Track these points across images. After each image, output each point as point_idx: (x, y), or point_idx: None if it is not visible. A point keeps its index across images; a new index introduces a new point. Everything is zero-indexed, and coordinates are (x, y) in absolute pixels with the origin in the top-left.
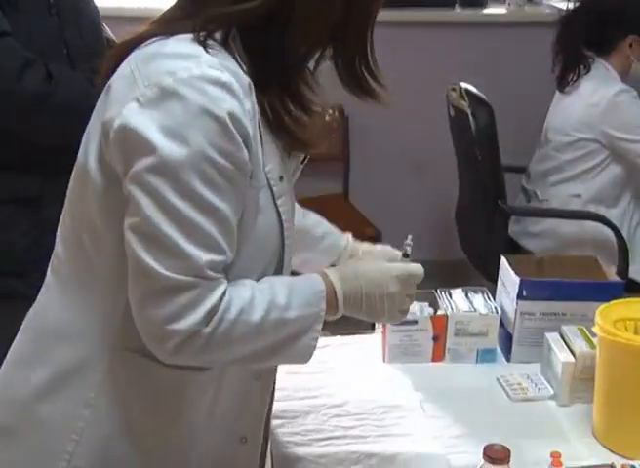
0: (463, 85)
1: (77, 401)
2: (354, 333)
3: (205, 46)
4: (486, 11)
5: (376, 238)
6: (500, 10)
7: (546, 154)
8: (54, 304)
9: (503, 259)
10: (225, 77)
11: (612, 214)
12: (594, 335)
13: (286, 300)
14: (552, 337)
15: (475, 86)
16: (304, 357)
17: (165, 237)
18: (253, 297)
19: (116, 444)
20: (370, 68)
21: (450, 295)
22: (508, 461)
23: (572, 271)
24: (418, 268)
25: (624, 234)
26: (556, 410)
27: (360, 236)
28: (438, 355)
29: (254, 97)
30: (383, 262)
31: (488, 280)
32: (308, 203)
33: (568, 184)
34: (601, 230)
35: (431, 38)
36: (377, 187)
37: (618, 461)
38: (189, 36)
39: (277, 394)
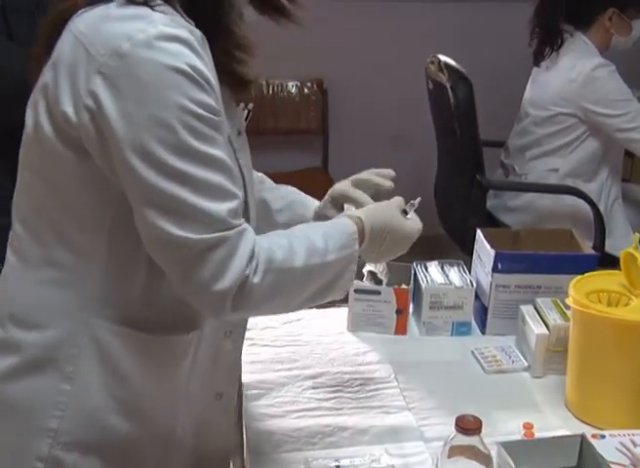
0: (442, 58)
1: (55, 378)
2: (329, 306)
3: (150, 6)
4: None
5: None
6: None
7: (525, 129)
8: (20, 286)
9: (479, 232)
10: (183, 33)
11: (589, 188)
12: (568, 308)
13: (324, 245)
14: (527, 310)
15: (454, 59)
16: (343, 293)
17: (180, 202)
18: (290, 244)
19: (103, 413)
20: None
21: (426, 268)
22: (480, 432)
23: (547, 244)
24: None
25: (601, 209)
26: (530, 382)
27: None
28: (401, 328)
29: (208, 50)
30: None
31: (465, 253)
32: (288, 177)
33: (546, 159)
34: (578, 205)
35: (411, 11)
36: (356, 160)
37: (589, 431)
38: None
39: (251, 366)
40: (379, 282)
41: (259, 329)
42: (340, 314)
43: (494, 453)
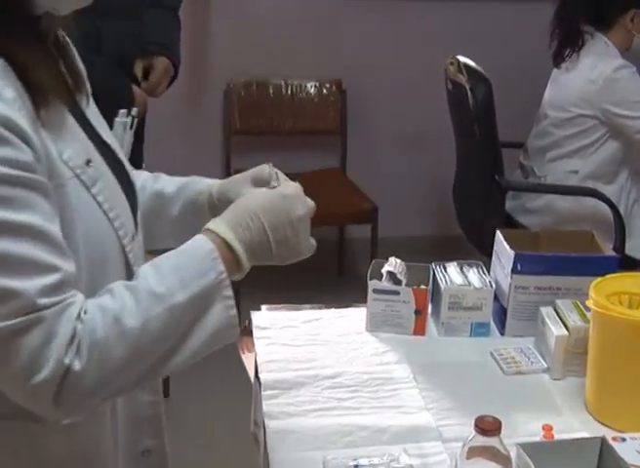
0: (462, 59)
1: None
2: (348, 306)
3: None
4: None
5: (373, 212)
6: None
7: (544, 130)
8: None
9: (499, 233)
10: None
11: (609, 190)
12: (588, 310)
13: (167, 284)
14: (546, 311)
15: (474, 60)
16: (226, 332)
17: None
18: (122, 301)
19: None
20: None
21: (445, 269)
22: (499, 433)
23: (567, 246)
24: (298, 186)
25: (621, 211)
26: (549, 384)
27: (358, 211)
28: (420, 328)
29: (14, 78)
30: (263, 189)
31: (484, 255)
32: (306, 177)
33: (565, 160)
34: (598, 207)
35: (431, 11)
36: (374, 162)
37: (609, 434)
38: None
39: (271, 365)
40: (397, 282)
41: (277, 328)
42: (359, 314)
43: (513, 455)
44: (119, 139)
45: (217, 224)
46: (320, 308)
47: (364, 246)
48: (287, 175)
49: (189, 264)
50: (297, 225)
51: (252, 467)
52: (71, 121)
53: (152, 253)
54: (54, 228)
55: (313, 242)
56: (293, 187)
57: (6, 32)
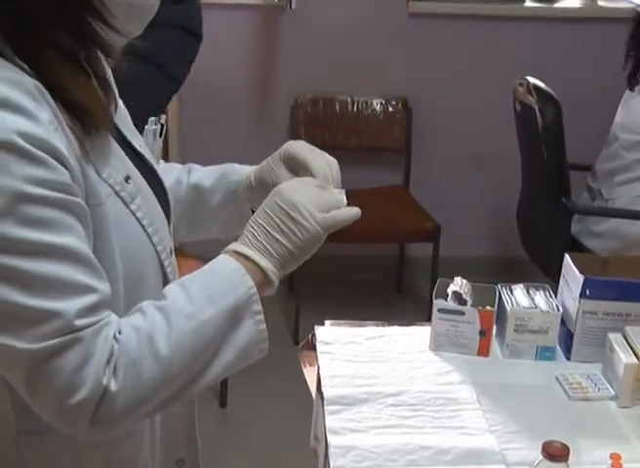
0: (531, 80)
1: None
2: (411, 324)
3: None
4: (557, 5)
5: (435, 231)
6: (573, 4)
7: (614, 153)
8: None
9: (567, 257)
10: (8, 92)
11: None
12: None
13: (196, 303)
14: (615, 338)
15: (543, 81)
16: (257, 347)
17: (16, 307)
18: (153, 321)
19: None
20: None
21: (511, 291)
22: (567, 459)
23: (637, 271)
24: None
25: None
26: (616, 412)
27: (420, 229)
28: (484, 350)
29: (50, 99)
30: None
31: (548, 277)
32: (368, 194)
33: (635, 184)
34: None
35: (500, 32)
36: (438, 180)
37: None
38: None
39: (334, 380)
40: (463, 302)
41: (340, 343)
42: (423, 332)
43: None
44: (149, 147)
45: (238, 245)
46: (384, 325)
47: (424, 264)
48: (350, 191)
49: (217, 281)
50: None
51: None
52: (109, 138)
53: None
54: (88, 250)
55: (343, 199)
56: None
57: (43, 54)
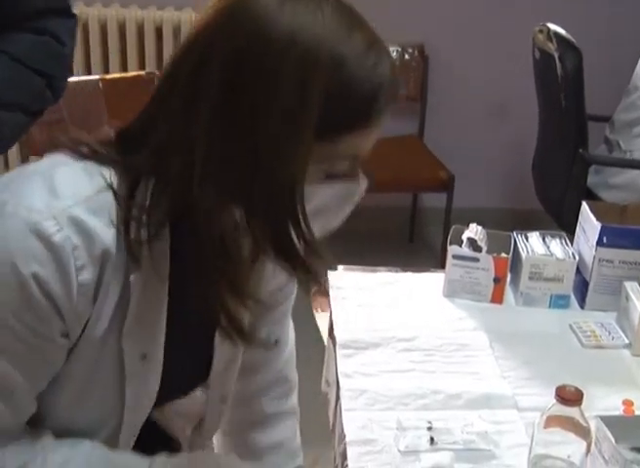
0: (552, 26)
1: None
2: (425, 271)
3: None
4: None
5: (449, 181)
6: None
7: (633, 103)
8: None
9: (585, 205)
10: (58, 238)
11: None
12: None
13: None
14: (631, 286)
15: (563, 27)
16: None
17: None
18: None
19: None
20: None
21: (526, 238)
22: (580, 403)
23: None
24: None
25: None
26: (630, 360)
27: (433, 179)
28: (498, 297)
29: (108, 267)
30: None
31: (562, 229)
32: (382, 143)
33: None
34: None
35: None
36: (453, 130)
37: None
38: (102, 169)
39: (346, 325)
40: (478, 249)
41: (353, 288)
42: (436, 279)
43: (592, 428)
44: None
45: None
46: (396, 271)
47: (438, 215)
48: None
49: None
50: None
51: (321, 425)
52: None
53: None
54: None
55: None
56: None
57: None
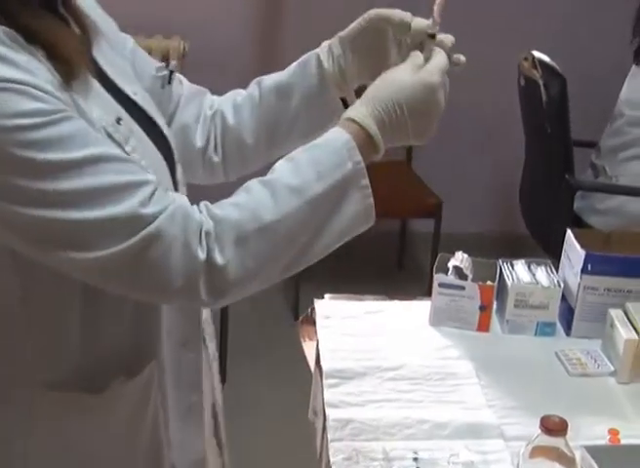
0: (537, 54)
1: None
2: (411, 299)
3: None
4: None
5: (437, 207)
6: None
7: (619, 129)
8: None
9: (569, 232)
10: None
11: None
12: None
13: (304, 177)
14: (616, 314)
15: (548, 55)
16: (363, 220)
17: (80, 224)
18: (259, 197)
19: None
20: None
21: (512, 266)
22: (565, 433)
23: (639, 248)
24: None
25: None
26: (616, 388)
27: (422, 205)
28: (484, 325)
29: (25, 45)
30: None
31: (549, 254)
32: (370, 169)
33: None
34: None
35: (505, 4)
36: (441, 156)
37: None
38: None
39: (333, 354)
40: (463, 277)
41: (340, 317)
42: (422, 307)
43: (577, 457)
44: (157, 96)
45: (356, 111)
46: (383, 300)
47: (426, 240)
48: None
49: (325, 156)
50: (435, 116)
51: (308, 454)
52: (95, 83)
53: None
54: (117, 149)
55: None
56: (438, 73)
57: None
